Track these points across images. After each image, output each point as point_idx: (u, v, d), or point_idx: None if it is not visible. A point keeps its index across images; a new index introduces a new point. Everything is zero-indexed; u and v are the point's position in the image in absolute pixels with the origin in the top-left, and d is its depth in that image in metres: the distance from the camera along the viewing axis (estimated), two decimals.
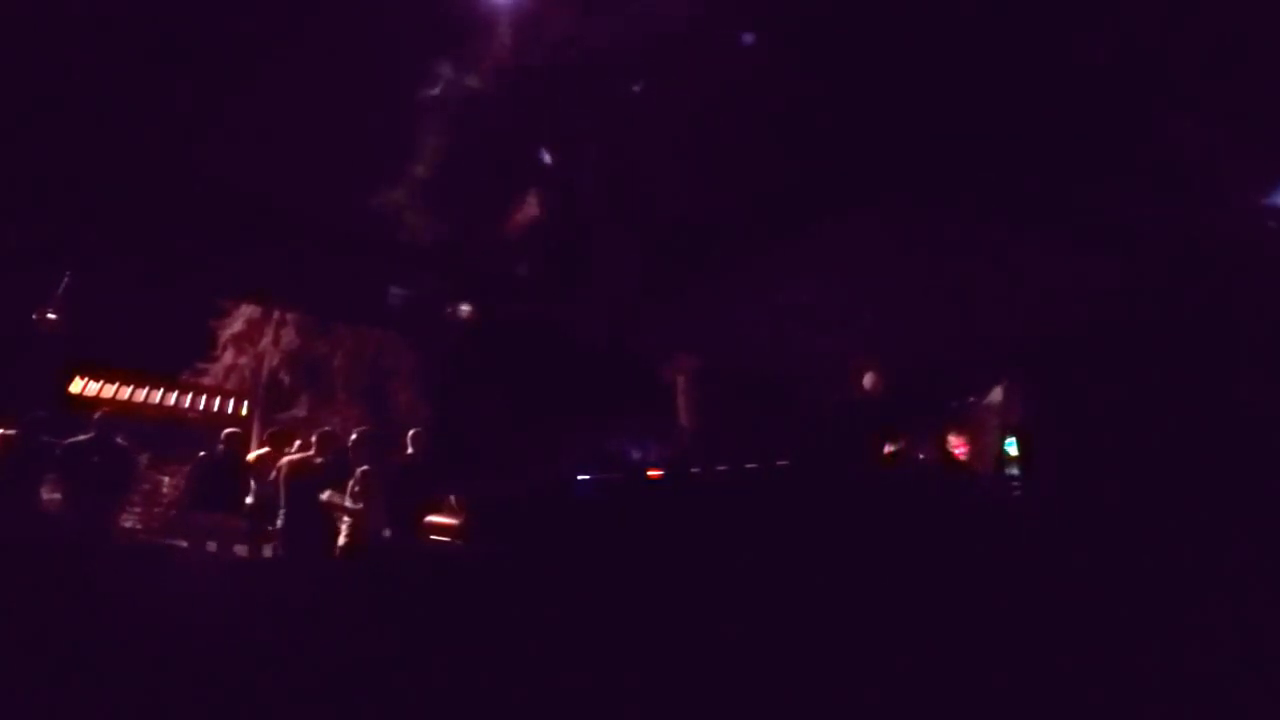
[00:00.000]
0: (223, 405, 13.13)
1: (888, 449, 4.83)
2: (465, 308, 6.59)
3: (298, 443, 6.56)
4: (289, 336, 15.40)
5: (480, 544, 5.89)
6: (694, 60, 3.89)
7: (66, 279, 11.04)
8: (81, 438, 5.51)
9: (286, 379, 15.40)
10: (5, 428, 5.89)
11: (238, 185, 5.03)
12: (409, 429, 6.36)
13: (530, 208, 5.49)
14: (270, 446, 6.35)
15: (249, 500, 6.02)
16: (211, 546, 6.02)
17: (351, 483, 5.21)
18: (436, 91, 4.22)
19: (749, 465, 5.09)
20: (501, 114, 4.45)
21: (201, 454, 6.36)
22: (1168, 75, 3.40)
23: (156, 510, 9.58)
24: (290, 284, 6.72)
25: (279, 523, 5.54)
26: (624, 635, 3.10)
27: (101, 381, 11.63)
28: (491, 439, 6.30)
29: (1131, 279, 4.19)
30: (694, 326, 6.67)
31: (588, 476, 5.73)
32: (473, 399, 6.81)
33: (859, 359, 5.63)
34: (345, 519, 5.14)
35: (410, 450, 5.93)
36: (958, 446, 4.87)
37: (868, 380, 5.38)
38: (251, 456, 6.35)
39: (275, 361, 15.36)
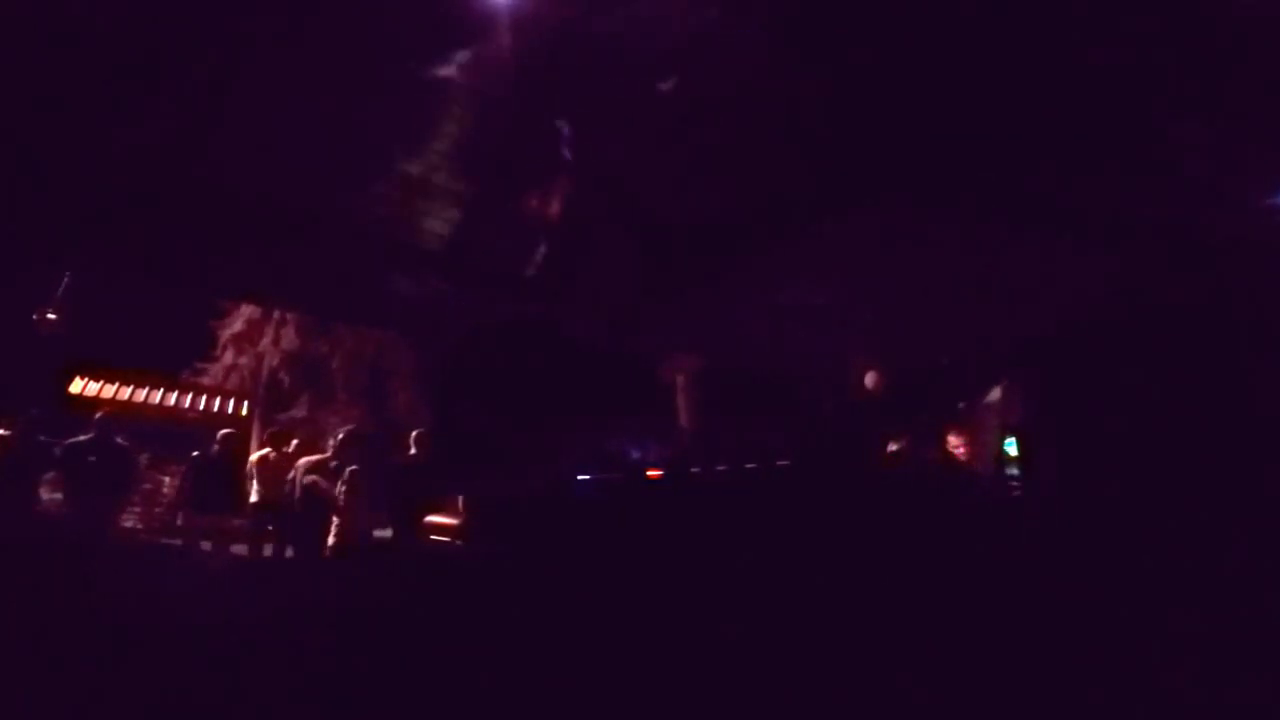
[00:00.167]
0: (223, 405, 13.15)
1: (888, 449, 4.83)
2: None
3: (295, 442, 6.57)
4: (289, 336, 15.41)
5: (480, 544, 5.89)
6: (694, 60, 3.89)
7: (66, 279, 11.04)
8: (81, 438, 5.52)
9: (286, 379, 15.41)
10: (4, 428, 5.89)
11: (238, 185, 5.03)
12: (409, 429, 6.37)
13: (531, 208, 5.49)
14: (270, 447, 6.36)
15: (253, 500, 6.03)
16: (206, 546, 6.03)
17: (340, 483, 5.20)
18: (437, 90, 4.22)
19: (749, 465, 5.09)
20: (502, 113, 4.44)
21: (195, 454, 6.36)
22: (1168, 75, 3.40)
23: (156, 510, 9.59)
24: (290, 284, 6.71)
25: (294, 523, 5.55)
26: (624, 635, 3.10)
27: (101, 381, 11.64)
28: (491, 439, 6.30)
29: (1131, 279, 4.19)
30: (694, 326, 6.66)
31: (588, 476, 5.73)
32: (472, 399, 6.81)
33: (859, 359, 5.64)
34: (335, 518, 5.13)
35: (414, 451, 5.94)
36: (958, 446, 4.88)
37: (868, 380, 5.39)
38: (254, 458, 6.37)
39: (275, 361, 15.38)
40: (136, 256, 5.75)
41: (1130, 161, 3.84)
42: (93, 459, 5.41)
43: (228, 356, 15.67)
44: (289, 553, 5.80)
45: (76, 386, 11.39)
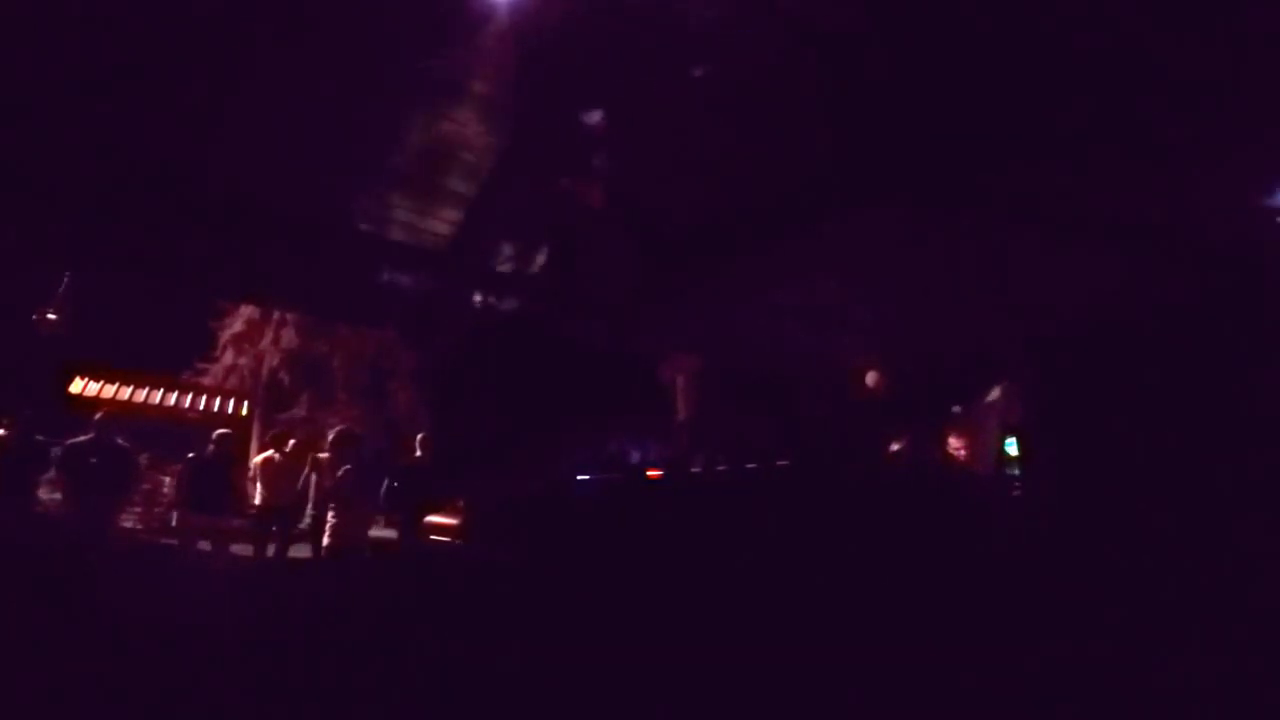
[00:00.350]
0: (223, 405, 13.15)
1: (888, 449, 4.84)
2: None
3: (292, 441, 6.58)
4: (289, 336, 15.42)
5: (480, 544, 5.89)
6: (695, 60, 3.89)
7: (66, 279, 11.05)
8: (81, 438, 5.52)
9: (286, 379, 15.43)
10: (2, 428, 5.90)
11: (238, 185, 5.03)
12: (409, 429, 6.39)
13: (531, 207, 5.49)
14: (273, 448, 6.37)
15: (256, 501, 6.04)
16: (205, 546, 6.04)
17: (334, 482, 5.20)
18: (437, 90, 4.22)
19: (749, 465, 5.09)
20: (502, 113, 4.44)
21: (190, 455, 6.37)
22: (1169, 74, 3.40)
23: (156, 510, 9.60)
24: (290, 284, 6.71)
25: (306, 522, 5.56)
26: (624, 635, 3.10)
27: (101, 381, 11.64)
28: (491, 439, 6.30)
29: (1132, 279, 4.19)
30: (694, 326, 6.66)
31: (588, 477, 5.72)
32: (472, 399, 6.81)
33: (859, 359, 5.64)
34: (331, 518, 5.13)
35: (419, 453, 5.96)
36: (958, 447, 4.88)
37: (869, 380, 5.39)
38: (258, 460, 6.38)
39: (275, 361, 15.39)
40: (136, 256, 5.75)
41: (1130, 161, 3.84)
42: (93, 459, 5.41)
43: (228, 356, 15.68)
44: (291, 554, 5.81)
45: (76, 386, 11.40)
